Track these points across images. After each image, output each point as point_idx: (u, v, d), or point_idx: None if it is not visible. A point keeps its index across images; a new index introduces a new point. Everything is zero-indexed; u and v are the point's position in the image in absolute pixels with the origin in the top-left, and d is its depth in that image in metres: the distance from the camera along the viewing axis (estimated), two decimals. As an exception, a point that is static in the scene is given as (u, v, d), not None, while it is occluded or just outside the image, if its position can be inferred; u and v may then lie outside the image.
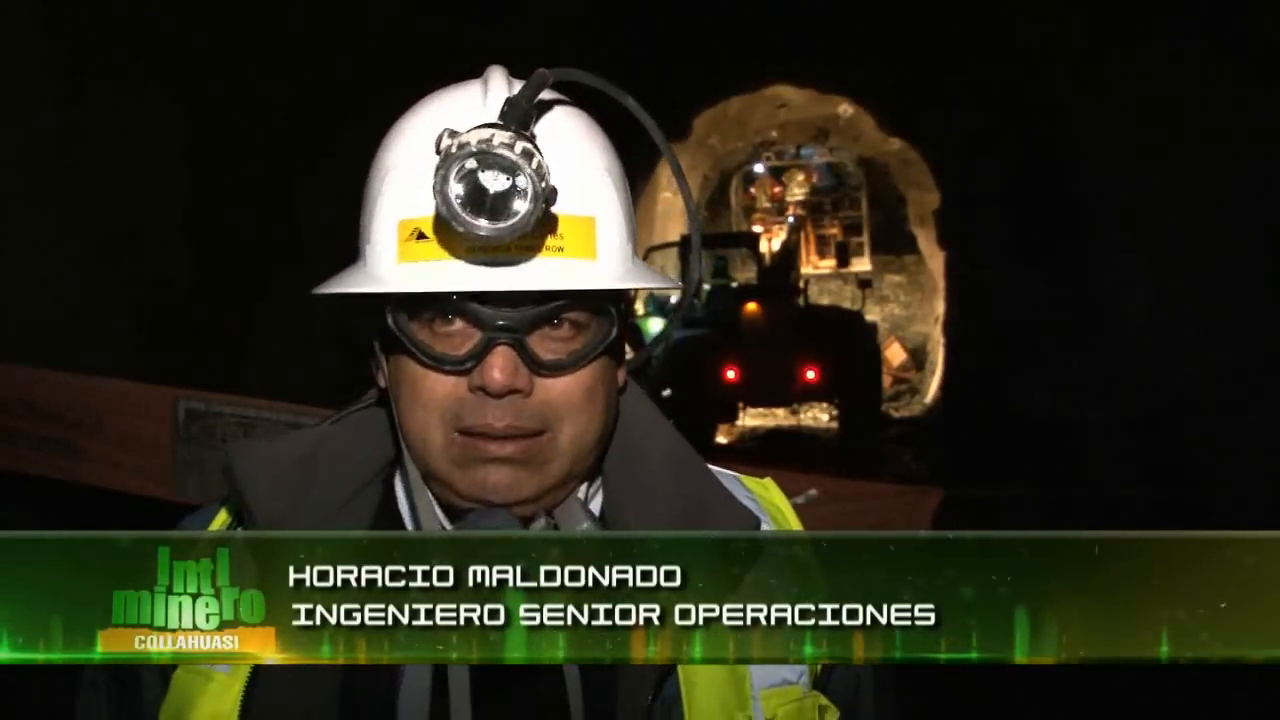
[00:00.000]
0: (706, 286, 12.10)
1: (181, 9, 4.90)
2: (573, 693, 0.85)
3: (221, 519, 0.99)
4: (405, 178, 0.84)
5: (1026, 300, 8.99)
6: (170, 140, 4.99)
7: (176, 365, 4.53)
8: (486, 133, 0.76)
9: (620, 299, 0.89)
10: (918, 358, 15.70)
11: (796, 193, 17.47)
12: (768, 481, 1.05)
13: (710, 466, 1.02)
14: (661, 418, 0.99)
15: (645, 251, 13.32)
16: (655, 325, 11.77)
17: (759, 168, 17.72)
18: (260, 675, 0.88)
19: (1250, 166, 5.87)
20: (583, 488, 0.93)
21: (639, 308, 12.12)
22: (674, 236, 13.95)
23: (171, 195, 5.03)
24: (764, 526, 0.97)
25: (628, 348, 0.99)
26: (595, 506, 0.95)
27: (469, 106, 0.84)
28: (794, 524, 1.01)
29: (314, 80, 5.78)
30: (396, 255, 0.84)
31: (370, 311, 0.88)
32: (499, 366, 0.82)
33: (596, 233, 0.85)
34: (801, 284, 12.18)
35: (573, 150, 0.85)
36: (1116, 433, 6.45)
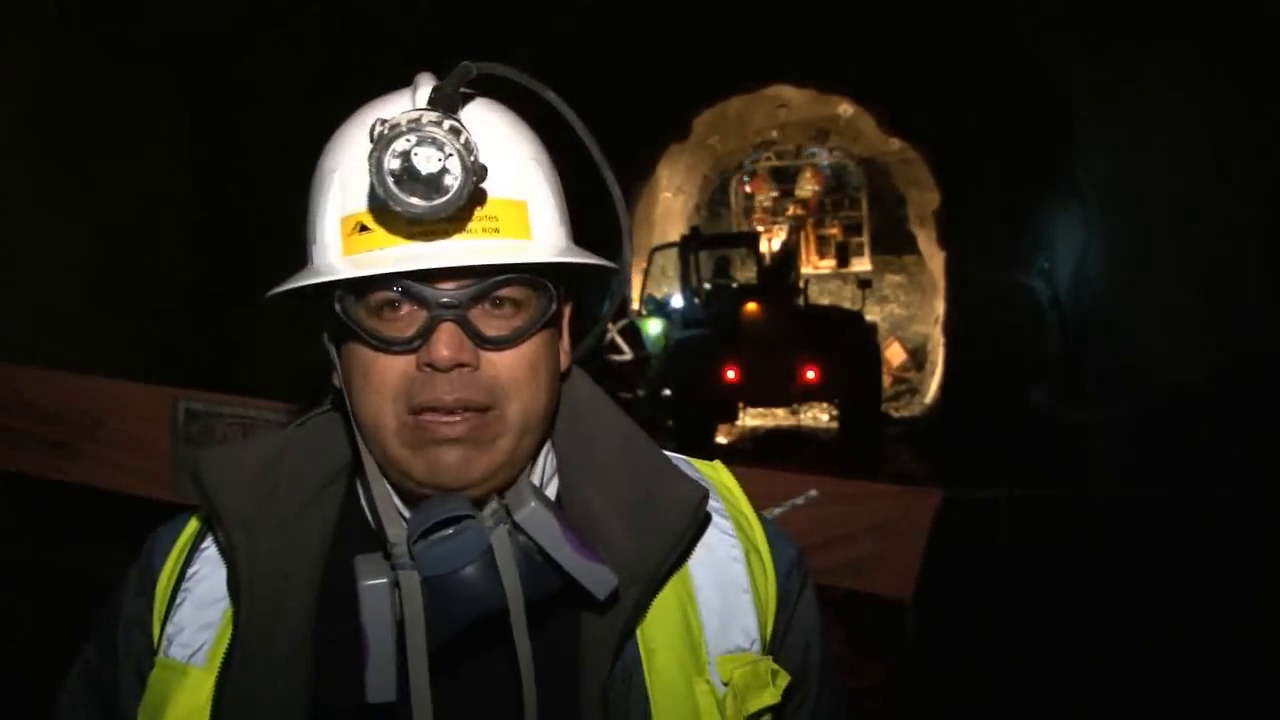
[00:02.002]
0: (707, 286, 12.11)
1: (186, 10, 4.90)
2: (525, 669, 0.87)
3: (193, 527, 1.02)
4: (345, 175, 0.88)
5: (1026, 300, 8.99)
6: (173, 140, 5.00)
7: (176, 365, 4.53)
8: (415, 113, 0.81)
9: (559, 278, 0.92)
10: (918, 358, 15.70)
11: (806, 189, 17.48)
12: (717, 463, 1.09)
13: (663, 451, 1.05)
14: (608, 401, 1.03)
15: (649, 253, 13.33)
16: (654, 326, 11.77)
17: (759, 168, 17.73)
18: (231, 668, 0.90)
19: (1252, 166, 5.88)
20: (537, 471, 0.96)
21: (639, 308, 12.12)
22: (674, 236, 13.95)
23: (173, 196, 5.03)
24: (714, 504, 1.00)
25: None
26: (553, 490, 0.98)
27: (401, 106, 0.87)
28: (744, 503, 1.04)
29: (317, 81, 5.78)
30: (341, 249, 0.88)
31: (322, 311, 0.91)
32: (444, 342, 0.85)
33: (529, 216, 0.89)
34: (801, 284, 12.18)
35: (500, 140, 0.90)
36: (1116, 433, 6.46)
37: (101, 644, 1.01)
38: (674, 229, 15.29)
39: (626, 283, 1.05)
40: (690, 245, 12.10)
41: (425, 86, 0.87)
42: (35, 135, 4.20)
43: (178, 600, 0.96)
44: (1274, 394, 5.30)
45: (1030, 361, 8.77)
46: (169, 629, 0.95)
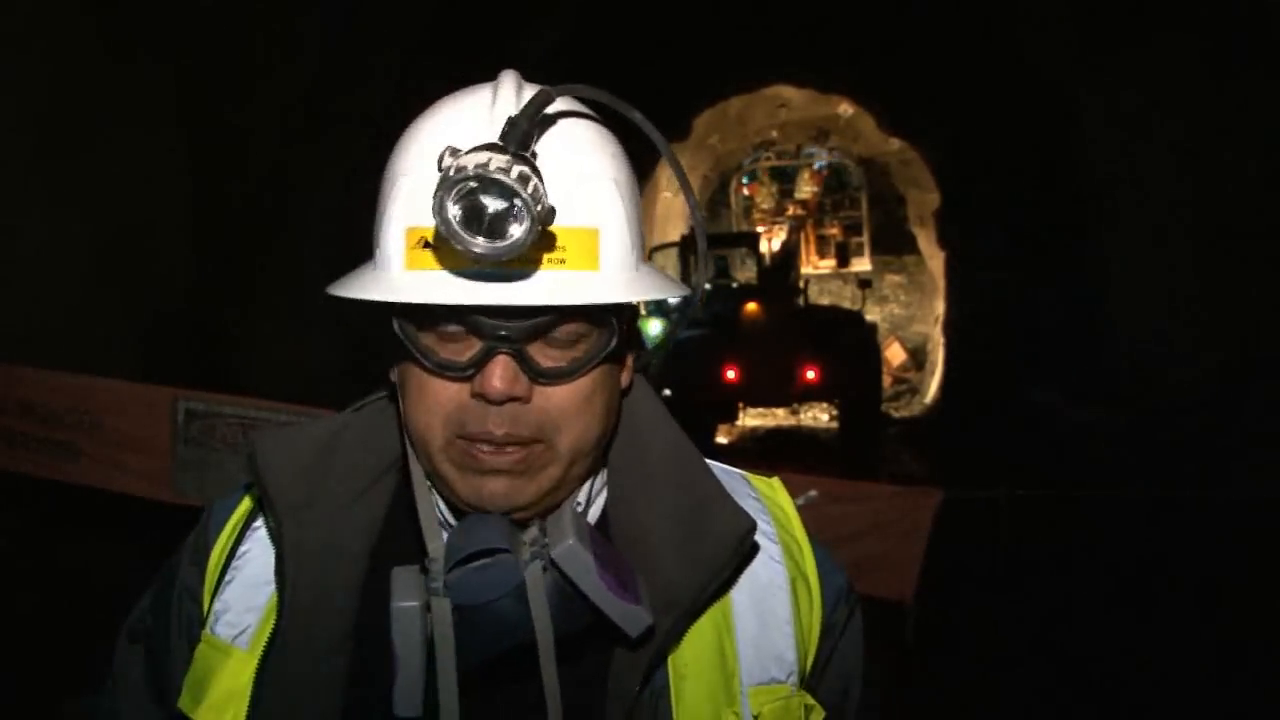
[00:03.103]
0: (707, 286, 12.11)
1: (185, 9, 4.90)
2: (551, 704, 0.87)
3: (247, 503, 1.02)
4: (414, 185, 0.84)
5: (1027, 300, 8.99)
6: (172, 140, 4.99)
7: (176, 365, 4.53)
8: (484, 156, 0.77)
9: (622, 308, 0.89)
10: (918, 358, 15.71)
11: (806, 189, 17.48)
12: (775, 481, 1.06)
13: (717, 464, 1.03)
14: (666, 417, 1.00)
15: (648, 252, 13.35)
16: (654, 326, 11.77)
17: (758, 169, 17.74)
18: (272, 656, 0.91)
19: (1252, 165, 5.87)
20: (585, 487, 0.94)
21: (640, 307, 12.10)
22: (674, 236, 13.95)
23: (172, 195, 5.03)
24: (764, 527, 0.99)
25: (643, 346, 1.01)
26: (600, 504, 0.97)
27: (476, 118, 0.85)
28: (798, 529, 1.02)
29: (315, 82, 5.78)
30: (405, 262, 0.85)
31: (382, 310, 0.89)
32: (499, 375, 0.83)
33: (599, 244, 0.85)
34: (801, 284, 12.18)
35: (579, 161, 0.86)
36: (1116, 433, 6.45)
37: (157, 607, 1.03)
38: (674, 229, 15.29)
39: (696, 303, 1.03)
40: (690, 245, 12.09)
41: (504, 101, 0.84)
42: (34, 135, 4.20)
43: (227, 577, 0.97)
44: (1274, 394, 5.30)
45: (1030, 361, 8.77)
46: (217, 605, 0.96)
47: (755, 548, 0.95)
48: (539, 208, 0.77)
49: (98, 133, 4.50)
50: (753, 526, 0.93)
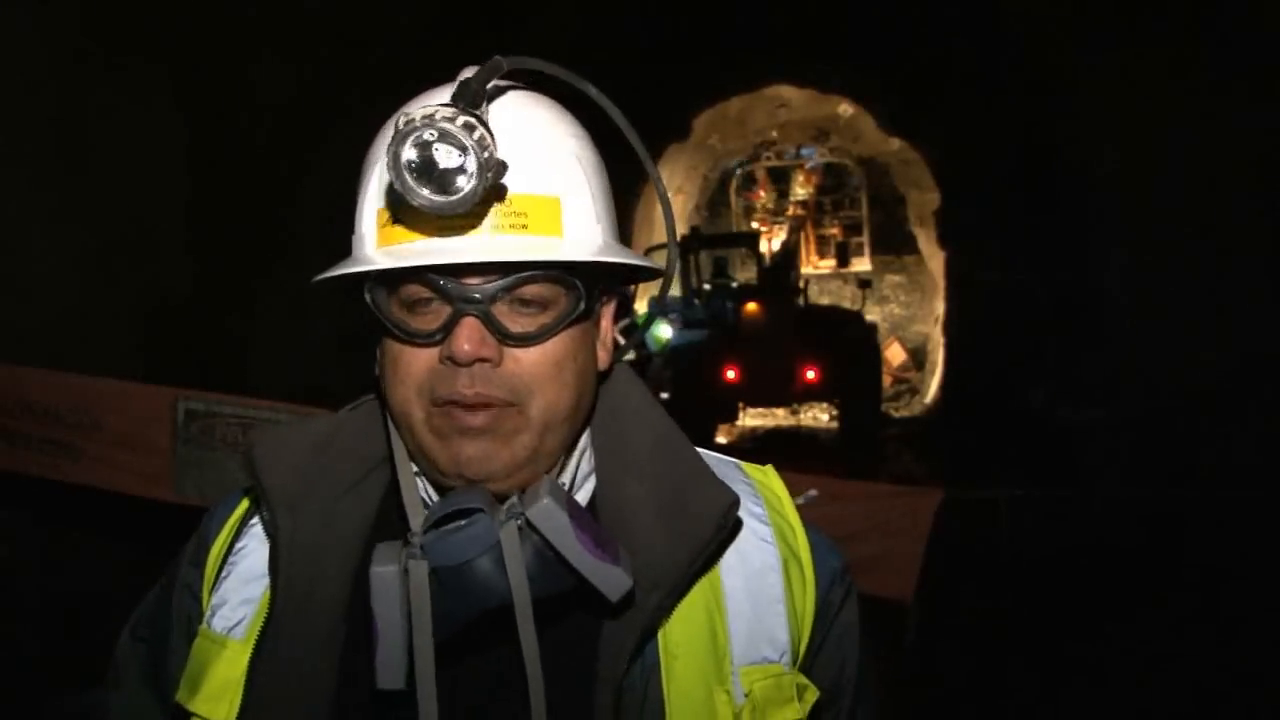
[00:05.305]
0: (706, 286, 12.10)
1: (183, 12, 4.90)
2: (530, 665, 0.87)
3: (244, 505, 1.05)
4: (382, 170, 0.88)
5: (1026, 300, 8.98)
6: (171, 140, 4.99)
7: (176, 365, 4.52)
8: (432, 108, 0.81)
9: (595, 277, 0.92)
10: (918, 358, 15.69)
11: (799, 192, 17.46)
12: (768, 469, 1.08)
13: (710, 453, 1.05)
14: (653, 403, 1.02)
15: (645, 251, 13.32)
16: (662, 330, 11.76)
17: (759, 168, 17.71)
18: (266, 645, 0.93)
19: (1251, 166, 5.87)
20: (570, 469, 0.96)
21: (639, 307, 12.08)
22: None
23: (172, 195, 5.03)
24: (755, 509, 1.00)
25: (620, 338, 1.03)
26: (589, 487, 0.98)
27: (439, 97, 0.88)
28: (791, 512, 1.03)
29: (314, 82, 5.78)
30: (376, 241, 0.89)
31: (360, 300, 0.92)
32: (465, 337, 0.86)
33: (562, 212, 0.89)
34: (801, 284, 12.17)
35: (539, 134, 0.90)
36: (1116, 433, 6.45)
37: (160, 606, 1.05)
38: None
39: (669, 281, 1.06)
40: (690, 245, 12.09)
41: (465, 75, 0.88)
42: (35, 135, 4.20)
43: (224, 573, 1.00)
44: (1275, 394, 5.30)
45: (1030, 361, 8.77)
46: (214, 600, 0.98)
47: (739, 523, 0.96)
48: (486, 155, 0.80)
49: (98, 133, 4.50)
50: (735, 501, 0.94)
